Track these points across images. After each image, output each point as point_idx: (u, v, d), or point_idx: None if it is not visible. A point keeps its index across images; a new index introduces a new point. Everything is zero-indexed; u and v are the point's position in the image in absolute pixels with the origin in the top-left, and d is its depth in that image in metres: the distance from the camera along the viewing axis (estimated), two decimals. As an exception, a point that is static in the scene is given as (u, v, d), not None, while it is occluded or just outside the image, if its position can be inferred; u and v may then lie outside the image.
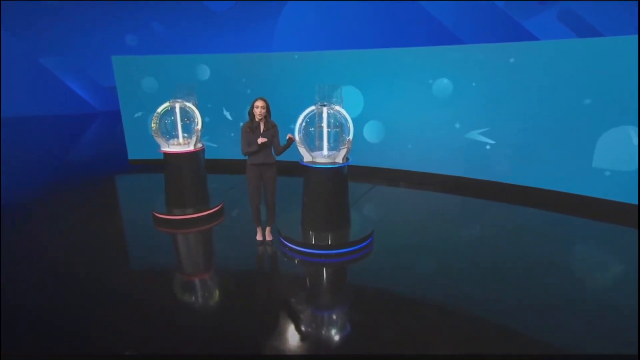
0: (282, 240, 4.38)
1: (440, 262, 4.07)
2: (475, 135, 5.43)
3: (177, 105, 5.03)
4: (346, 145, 4.18)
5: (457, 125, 6.04)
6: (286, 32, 14.45)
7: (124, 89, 7.49)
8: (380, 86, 6.44)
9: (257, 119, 4.07)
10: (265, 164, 4.15)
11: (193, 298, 3.52)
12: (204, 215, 5.04)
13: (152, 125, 4.97)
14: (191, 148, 5.02)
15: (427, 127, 6.28)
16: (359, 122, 6.57)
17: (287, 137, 4.10)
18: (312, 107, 4.25)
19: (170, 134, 5.14)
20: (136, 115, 7.58)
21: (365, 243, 4.30)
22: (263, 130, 4.10)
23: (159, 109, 4.99)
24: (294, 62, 6.87)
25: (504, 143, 5.79)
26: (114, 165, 8.17)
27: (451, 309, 3.25)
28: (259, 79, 7.06)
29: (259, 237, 4.45)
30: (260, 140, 4.00)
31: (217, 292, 3.61)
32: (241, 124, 4.83)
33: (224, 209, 5.39)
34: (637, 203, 5.02)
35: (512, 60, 5.44)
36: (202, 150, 5.20)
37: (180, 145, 5.06)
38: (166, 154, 5.02)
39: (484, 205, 5.67)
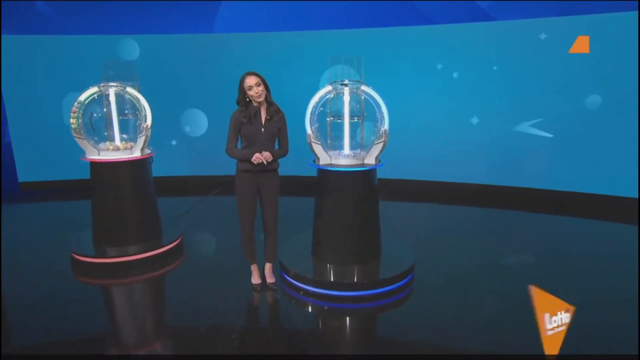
0: (291, 280, 3.25)
1: (506, 304, 3.10)
2: (527, 127, 4.85)
3: (112, 91, 3.69)
4: (382, 139, 3.23)
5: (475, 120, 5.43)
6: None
7: (11, 81, 5.81)
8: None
9: (255, 104, 2.98)
10: (265, 170, 3.05)
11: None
12: (156, 255, 3.72)
13: (72, 121, 3.57)
14: (136, 154, 3.69)
15: (435, 123, 5.60)
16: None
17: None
18: (328, 87, 3.26)
19: (101, 135, 3.77)
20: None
21: (405, 280, 3.32)
22: (265, 119, 3.00)
23: (82, 97, 3.60)
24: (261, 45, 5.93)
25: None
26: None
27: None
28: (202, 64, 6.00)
29: (255, 280, 3.27)
30: (257, 158, 2.90)
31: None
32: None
33: (186, 244, 4.09)
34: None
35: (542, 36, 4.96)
36: (151, 159, 3.90)
37: (118, 150, 3.70)
38: (94, 165, 3.64)
39: (522, 217, 5.05)
